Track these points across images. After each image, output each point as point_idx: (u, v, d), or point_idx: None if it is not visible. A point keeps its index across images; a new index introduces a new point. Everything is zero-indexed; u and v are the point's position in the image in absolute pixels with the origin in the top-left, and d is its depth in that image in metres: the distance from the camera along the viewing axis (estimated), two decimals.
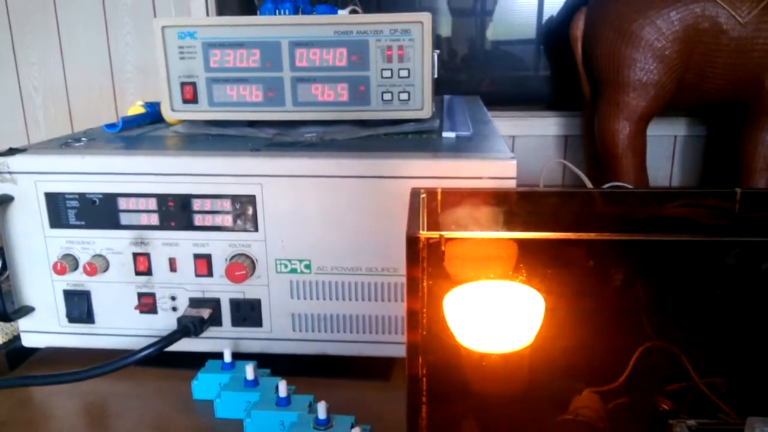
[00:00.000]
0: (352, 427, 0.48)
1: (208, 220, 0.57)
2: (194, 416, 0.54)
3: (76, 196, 0.57)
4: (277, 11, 0.70)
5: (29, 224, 0.58)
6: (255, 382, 0.53)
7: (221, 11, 1.40)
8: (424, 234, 0.38)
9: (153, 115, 0.76)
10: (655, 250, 0.40)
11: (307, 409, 0.50)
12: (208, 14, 1.37)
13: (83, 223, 0.58)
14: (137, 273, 0.59)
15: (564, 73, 1.36)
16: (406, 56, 0.63)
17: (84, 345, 0.61)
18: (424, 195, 0.47)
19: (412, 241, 0.38)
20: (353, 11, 0.73)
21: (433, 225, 0.46)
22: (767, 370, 0.41)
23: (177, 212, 0.57)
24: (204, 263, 0.58)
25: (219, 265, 0.57)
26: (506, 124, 1.35)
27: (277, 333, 0.59)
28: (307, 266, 0.57)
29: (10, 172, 0.57)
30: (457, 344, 0.40)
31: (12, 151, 0.59)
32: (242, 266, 0.56)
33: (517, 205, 0.50)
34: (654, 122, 1.16)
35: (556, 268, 0.40)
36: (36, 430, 0.53)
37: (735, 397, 0.42)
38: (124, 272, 0.59)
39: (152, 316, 0.60)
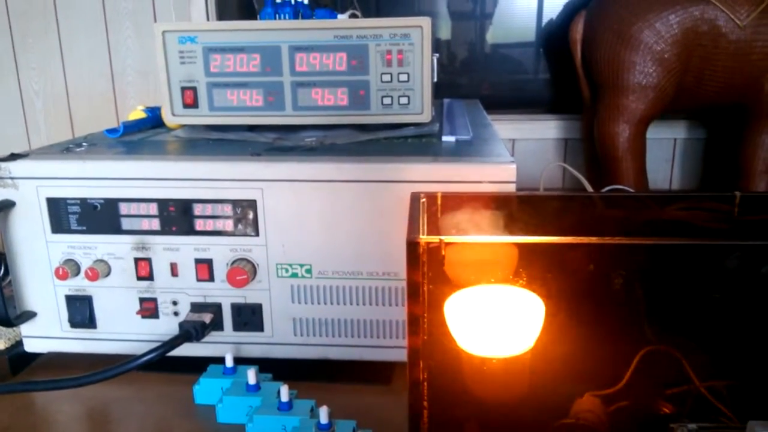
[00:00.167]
0: (354, 431, 0.48)
1: (209, 224, 0.57)
2: (196, 421, 0.54)
3: (78, 201, 0.57)
4: (277, 16, 0.70)
5: (31, 229, 0.59)
6: (257, 387, 0.53)
7: (221, 16, 1.41)
8: (424, 238, 0.38)
9: (154, 120, 0.77)
10: (655, 253, 0.40)
11: (309, 413, 0.50)
12: (208, 19, 1.37)
13: (85, 228, 0.58)
14: (139, 278, 0.59)
15: (563, 77, 1.36)
16: (406, 60, 0.63)
17: (86, 350, 0.62)
18: (424, 199, 0.47)
19: (412, 246, 0.38)
20: (353, 16, 0.73)
21: (434, 229, 0.46)
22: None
23: (178, 217, 0.57)
24: (205, 268, 0.58)
25: (220, 270, 0.58)
26: (506, 128, 1.35)
27: (278, 337, 0.59)
28: (308, 271, 0.57)
29: (11, 178, 0.58)
30: (458, 349, 0.40)
31: (13, 157, 0.59)
32: (243, 271, 0.56)
33: (517, 209, 0.50)
34: (654, 125, 1.16)
35: (557, 272, 0.40)
36: None
37: (736, 400, 0.42)
38: (126, 277, 0.59)
39: (154, 321, 0.60)
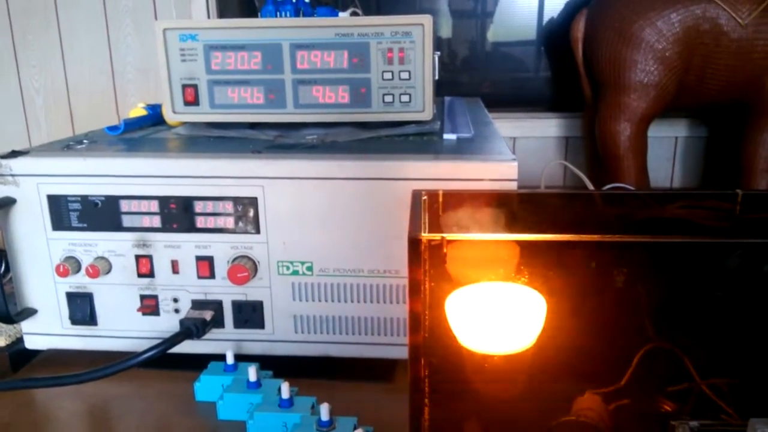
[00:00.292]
0: (355, 428, 0.48)
1: (210, 222, 0.57)
2: (197, 418, 0.54)
3: (79, 199, 0.57)
4: (278, 13, 0.70)
5: (32, 226, 0.59)
6: (257, 384, 0.53)
7: (222, 13, 1.41)
8: (425, 236, 0.38)
9: (154, 117, 0.76)
10: (657, 251, 0.40)
11: (310, 410, 0.50)
12: (209, 16, 1.37)
13: (85, 225, 0.58)
14: (140, 275, 0.59)
15: (565, 75, 1.36)
16: (407, 58, 0.63)
17: (87, 347, 0.62)
18: (425, 197, 0.47)
19: (413, 243, 0.38)
20: (354, 13, 0.73)
21: (435, 227, 0.46)
22: None
23: (179, 214, 0.57)
24: (206, 265, 0.58)
25: (221, 267, 0.58)
26: (507, 126, 1.35)
27: (279, 335, 0.59)
28: (309, 268, 0.57)
29: (12, 175, 0.58)
30: (459, 346, 0.40)
31: (14, 154, 0.59)
32: (244, 268, 0.56)
33: (518, 207, 0.50)
34: (655, 123, 1.16)
35: (558, 269, 0.40)
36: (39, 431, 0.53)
37: (737, 398, 0.42)
38: (127, 274, 0.59)
39: (155, 318, 0.60)
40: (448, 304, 0.40)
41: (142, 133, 0.72)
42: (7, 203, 0.58)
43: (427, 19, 0.62)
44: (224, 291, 0.58)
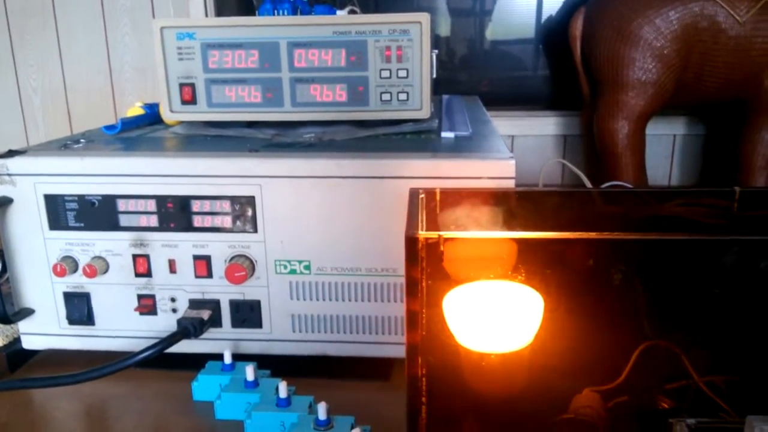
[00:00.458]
0: (353, 427, 0.48)
1: (208, 221, 0.57)
2: (194, 418, 0.54)
3: (76, 198, 0.57)
4: (275, 12, 0.70)
5: (29, 226, 0.58)
6: (255, 383, 0.53)
7: (220, 12, 1.40)
8: (423, 234, 0.38)
9: (152, 117, 0.76)
10: (654, 249, 0.40)
11: (308, 409, 0.50)
12: (206, 15, 1.37)
13: (82, 224, 0.58)
14: (137, 275, 0.59)
15: (563, 73, 1.36)
16: (405, 56, 0.63)
17: (84, 347, 0.61)
18: (422, 195, 0.47)
19: (411, 242, 0.38)
20: (351, 11, 0.73)
21: (432, 225, 0.46)
22: (767, 369, 0.41)
23: (176, 213, 0.57)
24: (203, 264, 0.58)
25: (218, 267, 0.57)
26: (505, 124, 1.35)
27: (276, 334, 0.59)
28: (307, 267, 0.57)
29: (9, 174, 0.57)
30: (457, 344, 0.40)
31: (11, 153, 0.59)
32: (242, 267, 0.56)
33: (516, 205, 0.50)
34: (653, 121, 1.16)
35: (556, 267, 0.40)
36: None
37: (735, 395, 0.42)
38: (124, 274, 0.59)
39: (152, 317, 0.60)
40: (446, 302, 0.40)
41: (140, 132, 0.72)
42: (3, 203, 0.58)
43: (424, 17, 0.62)
44: (222, 290, 0.58)
